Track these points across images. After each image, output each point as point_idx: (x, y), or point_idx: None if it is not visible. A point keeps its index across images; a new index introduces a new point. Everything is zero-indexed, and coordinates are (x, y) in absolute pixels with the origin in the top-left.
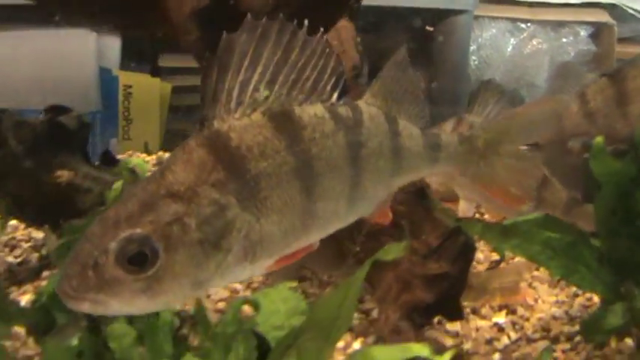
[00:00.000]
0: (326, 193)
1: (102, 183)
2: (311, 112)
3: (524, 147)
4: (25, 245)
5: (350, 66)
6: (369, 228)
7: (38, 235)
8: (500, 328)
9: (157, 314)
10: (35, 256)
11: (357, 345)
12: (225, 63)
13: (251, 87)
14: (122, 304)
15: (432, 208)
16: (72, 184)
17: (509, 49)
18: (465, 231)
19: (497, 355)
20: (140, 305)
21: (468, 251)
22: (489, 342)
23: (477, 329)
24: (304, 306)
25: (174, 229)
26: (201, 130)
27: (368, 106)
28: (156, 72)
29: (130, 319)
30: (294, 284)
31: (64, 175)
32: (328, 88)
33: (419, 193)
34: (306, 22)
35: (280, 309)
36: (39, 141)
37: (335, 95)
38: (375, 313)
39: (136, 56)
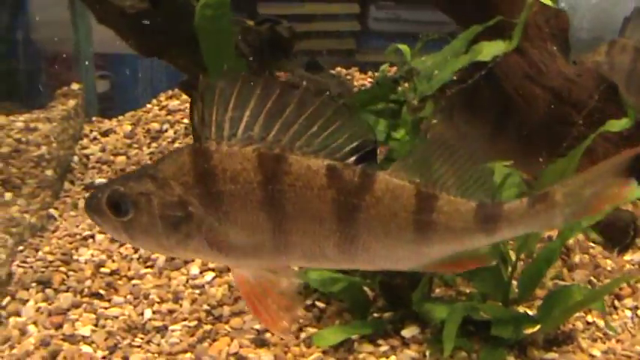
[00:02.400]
0: (301, 233)
1: (316, 83)
2: (307, 164)
3: None
4: None
5: None
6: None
7: None
8: None
9: None
10: None
11: None
12: (211, 101)
13: (242, 125)
14: (111, 232)
15: (623, 103)
16: (290, 83)
17: None
18: None
19: None
20: (124, 239)
21: None
22: None
23: None
24: (518, 179)
25: (142, 199)
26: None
27: (390, 178)
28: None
29: None
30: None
31: (281, 75)
32: (346, 149)
33: (612, 90)
34: None
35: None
36: (263, 45)
37: (352, 158)
38: None
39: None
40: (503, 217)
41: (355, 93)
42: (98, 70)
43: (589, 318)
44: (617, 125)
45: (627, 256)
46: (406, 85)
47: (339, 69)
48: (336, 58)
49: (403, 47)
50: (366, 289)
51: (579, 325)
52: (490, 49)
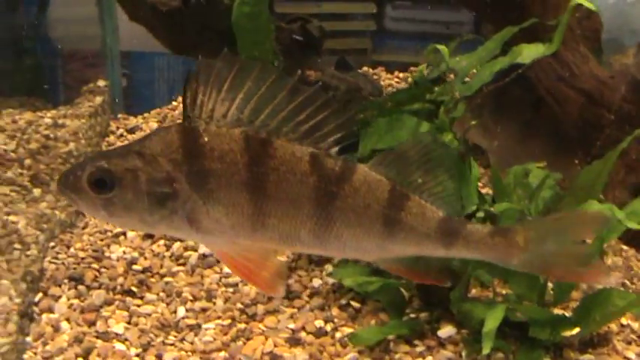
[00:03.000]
0: (279, 216)
1: (347, 83)
2: (291, 150)
3: None
4: None
5: None
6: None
7: None
8: None
9: (469, 170)
10: None
11: None
12: (206, 81)
13: (233, 107)
14: (87, 210)
15: None
16: (321, 82)
17: None
18: None
19: None
20: (101, 216)
21: None
22: None
23: None
24: (552, 182)
25: (129, 175)
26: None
27: (369, 171)
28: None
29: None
30: (543, 164)
31: (312, 74)
32: (330, 140)
33: None
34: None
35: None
36: (294, 44)
37: (336, 148)
38: None
39: None
40: (462, 236)
41: (393, 93)
42: None
43: (623, 320)
44: None
45: None
46: (441, 86)
47: (365, 68)
48: (352, 57)
49: (442, 47)
50: (401, 289)
51: (614, 327)
52: (530, 52)
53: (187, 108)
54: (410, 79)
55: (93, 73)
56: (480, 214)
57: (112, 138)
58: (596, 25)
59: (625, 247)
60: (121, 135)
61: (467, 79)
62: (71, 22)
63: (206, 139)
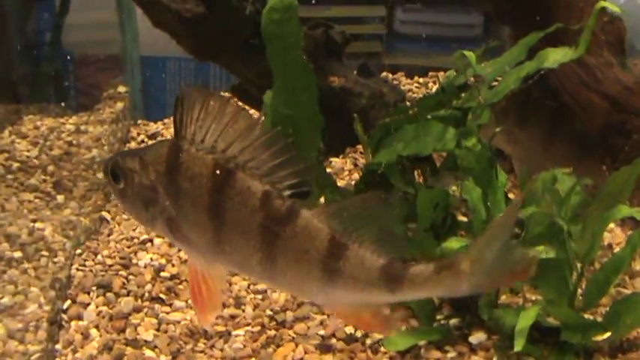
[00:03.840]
0: (232, 244)
1: (370, 89)
2: (248, 184)
3: None
4: None
5: None
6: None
7: None
8: None
9: (496, 176)
10: None
11: None
12: (189, 107)
13: (209, 135)
14: (113, 194)
15: None
16: (345, 89)
17: None
18: None
19: None
20: (119, 203)
21: None
22: None
23: None
24: (578, 187)
25: (129, 174)
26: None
27: (312, 219)
28: None
29: (476, 181)
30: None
31: (335, 80)
32: (285, 183)
33: None
34: None
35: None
36: (317, 50)
37: (287, 192)
38: None
39: None
40: (407, 279)
41: (419, 99)
42: None
43: None
44: None
45: None
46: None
47: (384, 74)
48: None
49: (469, 54)
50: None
51: None
52: (556, 56)
53: (176, 127)
54: (430, 84)
55: (111, 78)
56: None
57: (133, 144)
58: (620, 30)
59: None
60: (142, 141)
61: (494, 83)
62: (90, 27)
63: (185, 158)
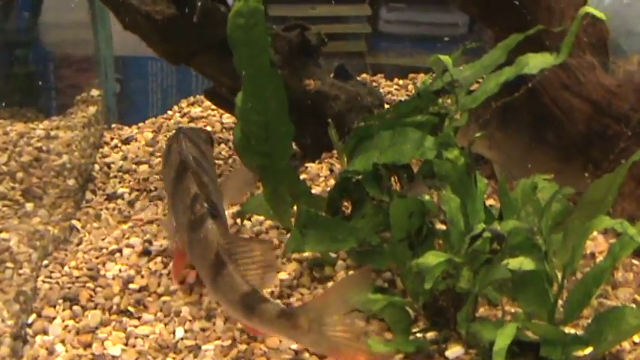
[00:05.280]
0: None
1: (347, 92)
2: (190, 185)
3: None
4: None
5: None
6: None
7: None
8: None
9: (475, 184)
10: None
11: None
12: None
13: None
14: None
15: None
16: (321, 92)
17: None
18: None
19: None
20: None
21: None
22: None
23: None
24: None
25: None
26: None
27: (212, 228)
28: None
29: (453, 188)
30: (550, 176)
31: (311, 83)
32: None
33: None
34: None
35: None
36: (292, 52)
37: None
38: None
39: None
40: (257, 313)
41: (395, 104)
42: None
43: (635, 338)
44: None
45: None
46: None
47: (364, 75)
48: (349, 60)
49: (445, 58)
50: (407, 308)
51: (626, 345)
52: (537, 62)
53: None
54: (410, 87)
55: (93, 79)
56: (487, 235)
57: (106, 149)
58: (602, 32)
59: (636, 262)
60: (116, 146)
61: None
62: (71, 26)
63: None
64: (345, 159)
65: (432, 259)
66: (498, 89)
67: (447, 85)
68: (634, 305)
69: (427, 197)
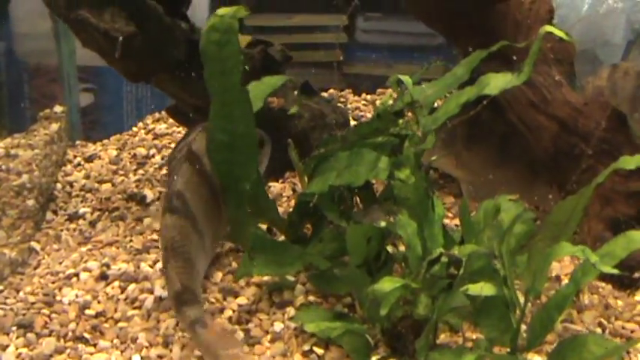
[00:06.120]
0: None
1: (311, 110)
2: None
3: None
4: None
5: (546, 9)
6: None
7: None
8: None
9: (432, 209)
10: None
11: None
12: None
13: None
14: None
15: (631, 133)
16: (284, 110)
17: (584, 9)
18: None
19: None
20: None
21: None
22: None
23: None
24: (528, 215)
25: None
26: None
27: (167, 219)
28: (241, 30)
29: (411, 214)
30: (515, 197)
31: (274, 101)
32: None
33: (621, 120)
34: None
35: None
36: (255, 69)
37: None
38: None
39: None
40: (180, 313)
41: (356, 126)
42: (81, 83)
43: None
44: (631, 162)
45: (639, 296)
46: (409, 115)
47: (331, 91)
48: (323, 69)
49: (405, 78)
50: (366, 335)
51: None
52: (498, 82)
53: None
54: (378, 102)
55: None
56: (444, 260)
57: (69, 167)
58: (569, 49)
59: (602, 284)
60: (79, 164)
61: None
62: (29, 37)
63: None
64: (306, 180)
65: (388, 285)
66: (459, 110)
67: (407, 106)
68: (599, 329)
69: (383, 223)
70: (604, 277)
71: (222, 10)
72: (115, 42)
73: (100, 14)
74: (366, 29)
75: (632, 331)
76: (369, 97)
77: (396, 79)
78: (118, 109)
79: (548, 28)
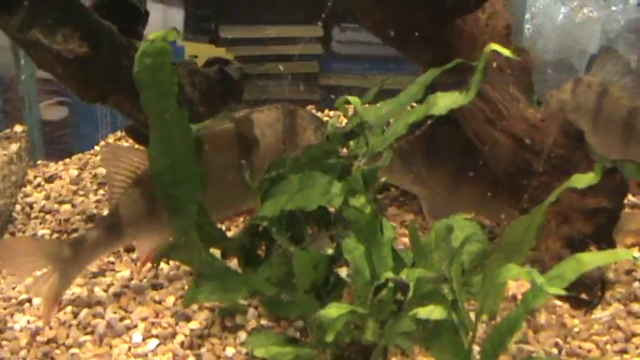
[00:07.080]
0: None
1: None
2: None
3: None
4: None
5: (503, 25)
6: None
7: None
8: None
9: (382, 231)
10: None
11: None
12: None
13: None
14: None
15: (588, 150)
16: None
17: (560, 18)
18: (621, 170)
19: (637, 284)
20: None
21: (624, 188)
22: (629, 272)
23: (615, 262)
24: (482, 234)
25: None
26: None
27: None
28: (215, 42)
29: (359, 238)
30: (471, 215)
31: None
32: None
33: (578, 137)
34: None
35: (458, 236)
36: (211, 89)
37: None
38: None
39: (196, 28)
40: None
41: (305, 148)
42: (55, 96)
43: None
44: (582, 181)
45: (596, 314)
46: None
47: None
48: (299, 81)
49: (354, 99)
50: None
51: None
52: (445, 102)
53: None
54: (341, 118)
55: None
56: (391, 285)
57: (29, 188)
58: (527, 63)
59: (559, 303)
60: (39, 184)
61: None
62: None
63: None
64: (259, 201)
65: (334, 311)
66: (407, 130)
67: (356, 128)
68: (555, 350)
69: (330, 251)
70: (561, 297)
71: (153, 35)
72: (68, 63)
73: (53, 35)
74: (342, 40)
75: (588, 351)
76: (332, 112)
77: (345, 100)
78: (93, 122)
79: (493, 46)
